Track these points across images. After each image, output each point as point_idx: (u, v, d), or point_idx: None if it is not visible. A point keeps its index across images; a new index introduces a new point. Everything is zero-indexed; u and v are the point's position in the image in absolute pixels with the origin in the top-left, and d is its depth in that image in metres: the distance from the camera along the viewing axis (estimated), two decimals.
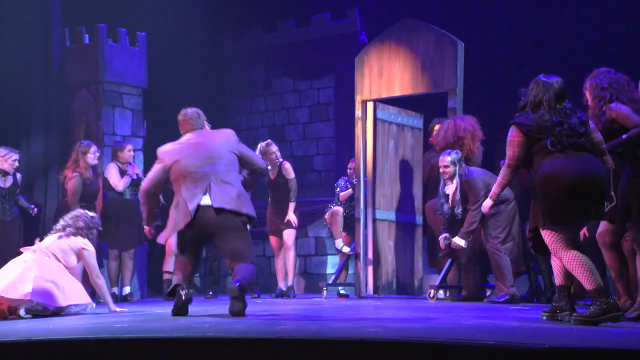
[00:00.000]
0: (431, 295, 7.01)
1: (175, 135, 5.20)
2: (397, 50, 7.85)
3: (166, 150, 4.93)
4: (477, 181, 6.74)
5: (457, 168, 6.85)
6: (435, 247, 7.71)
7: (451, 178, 6.88)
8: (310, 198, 9.61)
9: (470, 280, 6.93)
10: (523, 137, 4.34)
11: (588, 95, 4.84)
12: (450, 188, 6.88)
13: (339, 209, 8.28)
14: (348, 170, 8.62)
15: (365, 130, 8.03)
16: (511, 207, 6.74)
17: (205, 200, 4.70)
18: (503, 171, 4.49)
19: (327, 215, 8.41)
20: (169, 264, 8.20)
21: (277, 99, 11.01)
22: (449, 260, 7.22)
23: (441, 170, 6.96)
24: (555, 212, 4.22)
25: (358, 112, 8.03)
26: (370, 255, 8.01)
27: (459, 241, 6.67)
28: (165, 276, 8.21)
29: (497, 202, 6.68)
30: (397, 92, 7.85)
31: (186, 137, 4.97)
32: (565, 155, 4.26)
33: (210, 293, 8.25)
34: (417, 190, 8.35)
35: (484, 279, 7.06)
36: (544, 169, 4.27)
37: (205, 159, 4.83)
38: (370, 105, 8.04)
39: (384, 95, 7.95)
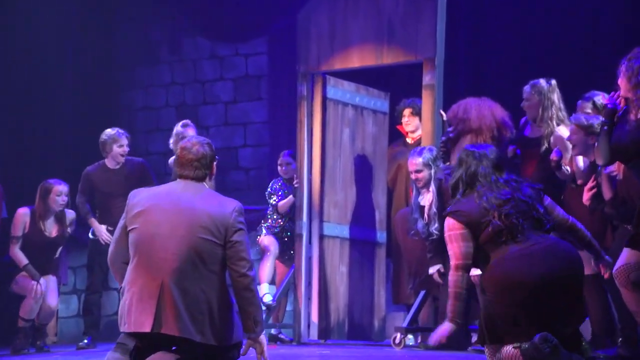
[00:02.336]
0: (397, 341, 7.08)
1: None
2: (355, 4, 7.90)
3: None
4: None
5: (432, 171, 6.95)
6: (402, 276, 7.79)
7: (426, 185, 6.95)
8: None
9: None
10: (465, 229, 4.63)
11: (624, 83, 4.94)
12: (427, 198, 6.96)
13: (271, 244, 8.33)
14: (279, 168, 8.64)
15: (311, 114, 8.08)
16: None
17: None
18: (454, 277, 4.69)
19: (261, 242, 8.51)
20: (28, 309, 8.06)
21: (188, 67, 10.94)
22: (422, 294, 7.31)
23: (412, 176, 7.06)
24: (507, 330, 4.46)
25: (301, 89, 8.07)
26: (315, 285, 8.06)
27: (474, 272, 6.76)
28: (21, 323, 8.09)
29: None
30: (355, 63, 7.91)
31: None
32: (523, 243, 4.51)
33: (86, 341, 8.15)
34: (380, 197, 8.43)
35: (468, 319, 7.16)
36: (493, 270, 4.53)
37: None
38: (318, 79, 8.10)
39: (337, 67, 8.01)
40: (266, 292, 8.18)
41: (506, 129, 7.08)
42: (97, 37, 11.00)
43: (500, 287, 4.47)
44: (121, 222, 4.78)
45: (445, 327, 4.73)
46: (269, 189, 8.60)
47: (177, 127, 8.18)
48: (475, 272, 6.64)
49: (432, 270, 7.06)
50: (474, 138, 7.06)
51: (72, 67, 10.83)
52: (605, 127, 5.20)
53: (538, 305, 4.39)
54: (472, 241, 4.62)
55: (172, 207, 4.69)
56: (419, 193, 7.03)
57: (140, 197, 4.77)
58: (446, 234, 4.68)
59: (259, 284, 8.27)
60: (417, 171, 6.99)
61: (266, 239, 8.44)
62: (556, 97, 6.95)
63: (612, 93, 5.30)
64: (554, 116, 6.88)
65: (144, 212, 4.69)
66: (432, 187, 6.92)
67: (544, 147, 6.84)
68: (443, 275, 7.03)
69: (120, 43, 11.21)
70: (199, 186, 4.78)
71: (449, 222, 4.67)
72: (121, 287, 4.72)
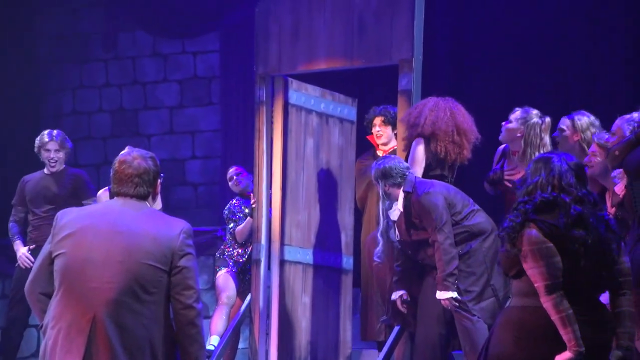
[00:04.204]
0: None
1: None
2: None
3: None
4: (434, 197, 7.02)
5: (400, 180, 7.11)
6: (371, 309, 7.95)
7: (395, 199, 7.14)
8: None
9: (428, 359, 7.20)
10: (549, 242, 4.57)
11: None
12: (396, 213, 7.18)
13: (227, 289, 8.40)
14: (229, 183, 8.79)
15: (271, 122, 8.20)
16: (489, 243, 7.06)
17: None
18: (549, 303, 4.55)
19: (217, 280, 8.60)
20: None
21: (126, 66, 11.07)
22: (396, 328, 7.45)
23: (383, 189, 7.17)
24: None
25: (260, 93, 8.19)
26: (274, 318, 8.15)
27: (444, 295, 6.92)
28: None
29: (468, 236, 7.00)
30: (321, 64, 8.04)
31: None
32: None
33: None
34: (347, 217, 8.58)
35: (448, 357, 7.34)
36: (536, 314, 4.61)
37: None
38: (278, 82, 8.23)
39: (300, 69, 8.13)
40: (212, 344, 8.21)
41: (468, 133, 7.31)
42: (15, 29, 11.01)
43: (530, 334, 4.61)
44: (46, 247, 4.70)
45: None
46: (226, 211, 8.71)
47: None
48: (446, 294, 6.92)
49: (395, 296, 7.19)
50: (428, 145, 7.30)
51: None
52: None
53: None
54: (559, 255, 4.58)
55: (109, 229, 4.64)
56: (387, 207, 7.17)
57: (70, 218, 4.70)
58: (525, 249, 4.61)
59: (210, 335, 8.29)
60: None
61: (223, 280, 8.51)
62: (548, 138, 7.19)
63: None
64: None
65: (73, 235, 4.63)
66: (397, 202, 7.11)
67: None
68: (408, 303, 7.18)
69: (43, 36, 11.22)
70: (140, 205, 4.73)
71: (531, 233, 4.64)
72: (42, 325, 4.62)
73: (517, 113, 7.31)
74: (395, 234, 7.16)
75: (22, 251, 8.36)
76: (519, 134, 7.25)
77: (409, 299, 7.17)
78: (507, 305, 4.86)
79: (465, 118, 7.35)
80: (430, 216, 6.96)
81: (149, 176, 4.72)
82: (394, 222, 7.16)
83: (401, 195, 7.09)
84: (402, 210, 7.09)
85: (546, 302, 4.55)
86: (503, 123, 7.34)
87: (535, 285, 4.57)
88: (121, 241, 4.62)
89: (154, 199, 4.79)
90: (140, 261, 4.60)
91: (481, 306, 6.98)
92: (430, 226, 6.96)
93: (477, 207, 7.15)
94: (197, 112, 10.89)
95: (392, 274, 7.32)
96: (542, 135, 7.21)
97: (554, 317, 4.53)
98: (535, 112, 7.28)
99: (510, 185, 7.20)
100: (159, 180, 4.78)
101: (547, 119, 7.25)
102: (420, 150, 7.36)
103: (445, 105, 7.36)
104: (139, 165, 4.71)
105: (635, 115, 6.36)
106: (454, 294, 6.91)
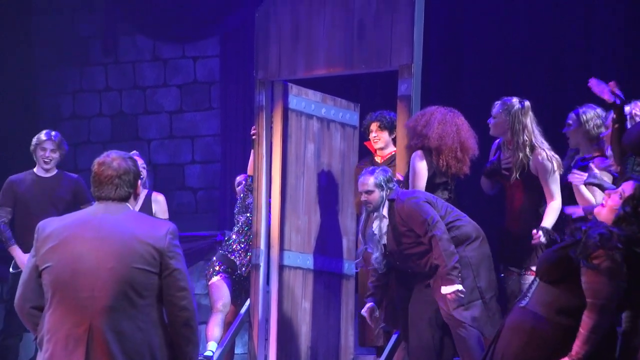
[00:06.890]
0: None
1: None
2: (322, 0, 8.19)
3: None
4: (418, 200, 7.21)
5: (384, 194, 7.33)
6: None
7: (376, 209, 7.35)
8: (180, 232, 9.73)
9: None
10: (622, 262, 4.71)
11: None
12: (377, 224, 7.36)
13: (222, 297, 8.34)
14: (237, 188, 8.90)
15: (271, 127, 8.36)
16: (474, 247, 7.24)
17: None
18: (591, 319, 4.74)
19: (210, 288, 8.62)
20: None
21: (126, 71, 11.22)
22: (395, 334, 7.66)
23: (362, 198, 7.38)
24: None
25: (259, 98, 8.35)
26: (273, 323, 8.29)
27: (450, 289, 7.01)
28: None
29: (454, 242, 7.10)
30: (321, 70, 8.20)
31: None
32: None
33: None
34: (349, 222, 8.73)
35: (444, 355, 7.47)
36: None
37: None
38: (278, 87, 8.39)
39: (300, 74, 8.29)
40: (210, 350, 8.25)
41: (470, 150, 7.53)
42: (14, 31, 11.15)
43: (537, 344, 4.87)
44: (30, 261, 4.71)
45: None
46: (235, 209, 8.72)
47: None
48: (451, 288, 6.97)
49: (364, 310, 7.45)
50: (430, 157, 7.50)
51: None
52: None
53: None
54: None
55: (94, 236, 4.67)
56: (368, 220, 7.39)
57: (52, 229, 4.71)
58: (605, 263, 4.74)
59: (207, 341, 8.32)
60: (368, 192, 7.33)
61: (217, 287, 8.48)
62: (529, 120, 7.38)
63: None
64: (527, 143, 7.34)
65: (59, 246, 4.65)
66: (383, 211, 7.32)
67: (512, 178, 7.35)
68: (376, 318, 7.45)
69: (42, 39, 11.35)
70: (123, 207, 4.75)
71: (617, 253, 4.76)
72: (37, 337, 4.68)
73: (496, 107, 7.49)
74: (379, 249, 7.37)
75: (23, 260, 8.33)
76: (506, 126, 7.44)
77: (377, 313, 7.42)
78: (524, 305, 5.01)
79: (469, 135, 7.56)
80: (420, 217, 7.14)
81: (129, 176, 4.73)
82: (375, 237, 7.38)
83: (386, 205, 7.31)
84: (386, 217, 7.31)
85: (589, 318, 4.72)
86: (488, 121, 7.52)
87: (588, 300, 4.71)
88: (109, 247, 4.65)
89: (135, 199, 4.80)
90: (130, 265, 4.64)
91: (471, 314, 7.15)
92: (422, 227, 7.13)
93: (460, 212, 7.37)
94: (196, 116, 11.03)
95: (397, 281, 7.54)
96: (522, 119, 7.39)
97: (583, 332, 4.71)
98: (515, 99, 7.46)
99: (507, 173, 7.44)
100: (139, 181, 4.79)
101: (527, 103, 7.42)
102: (422, 166, 7.54)
103: (453, 120, 7.55)
104: (119, 166, 4.72)
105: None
106: (459, 287, 7.03)
